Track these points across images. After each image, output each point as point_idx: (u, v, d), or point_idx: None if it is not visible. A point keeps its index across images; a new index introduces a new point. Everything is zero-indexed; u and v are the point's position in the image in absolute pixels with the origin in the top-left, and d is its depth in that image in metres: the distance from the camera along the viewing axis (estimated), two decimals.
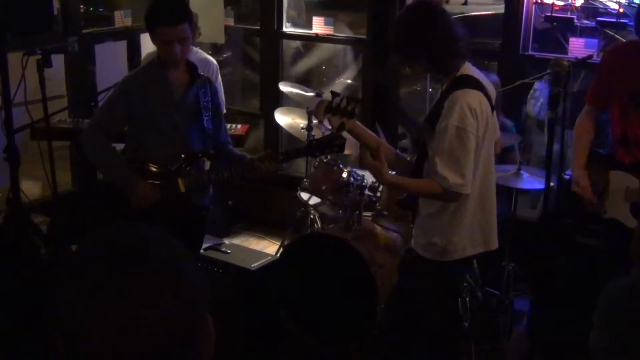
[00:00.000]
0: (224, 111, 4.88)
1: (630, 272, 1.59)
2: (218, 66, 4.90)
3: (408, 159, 3.32)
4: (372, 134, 3.14)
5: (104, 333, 0.96)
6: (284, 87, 4.93)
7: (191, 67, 3.55)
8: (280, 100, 5.86)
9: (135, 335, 0.97)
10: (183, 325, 1.00)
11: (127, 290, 0.98)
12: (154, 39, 3.40)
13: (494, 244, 3.20)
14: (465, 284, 3.41)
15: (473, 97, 2.92)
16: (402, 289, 3.44)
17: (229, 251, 4.13)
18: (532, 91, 5.49)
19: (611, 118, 3.62)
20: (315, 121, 4.55)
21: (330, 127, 3.19)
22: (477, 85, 2.99)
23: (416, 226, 3.25)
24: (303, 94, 4.76)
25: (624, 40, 3.68)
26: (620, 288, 1.51)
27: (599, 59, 4.64)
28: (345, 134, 3.17)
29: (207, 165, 3.93)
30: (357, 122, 3.10)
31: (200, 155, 3.58)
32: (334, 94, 3.07)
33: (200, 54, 4.85)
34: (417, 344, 3.39)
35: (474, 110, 2.89)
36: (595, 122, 3.70)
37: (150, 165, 3.49)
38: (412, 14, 3.06)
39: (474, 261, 3.31)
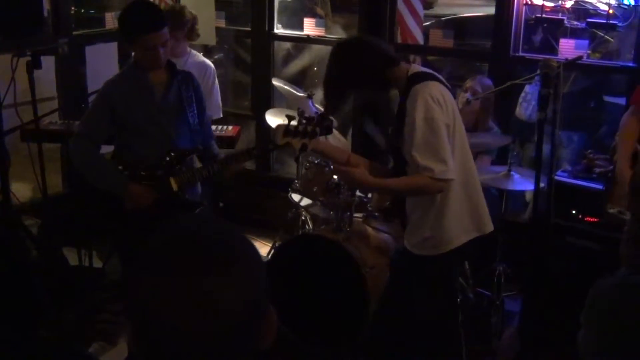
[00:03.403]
0: (221, 115, 4.88)
1: (616, 272, 1.60)
2: (215, 70, 4.88)
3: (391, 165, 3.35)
4: (339, 147, 3.17)
5: (180, 317, 1.02)
6: (277, 82, 4.92)
7: (170, 65, 3.54)
8: (271, 101, 5.86)
9: (208, 320, 1.03)
10: (251, 313, 1.07)
11: (205, 276, 1.04)
12: (135, 48, 3.38)
13: (488, 227, 3.22)
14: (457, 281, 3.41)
15: (432, 87, 2.96)
16: (396, 288, 3.44)
17: None
18: (523, 94, 5.50)
19: None
20: None
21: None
22: (432, 77, 3.05)
23: (407, 230, 3.27)
24: (294, 93, 4.76)
25: None
26: (606, 288, 1.52)
27: (589, 60, 4.69)
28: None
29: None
30: (320, 139, 3.16)
31: (189, 152, 3.57)
32: (289, 117, 3.14)
33: (198, 57, 4.83)
34: (414, 342, 3.39)
35: (437, 99, 2.93)
36: None
37: (141, 167, 3.48)
38: (332, 59, 3.16)
39: (466, 260, 3.32)
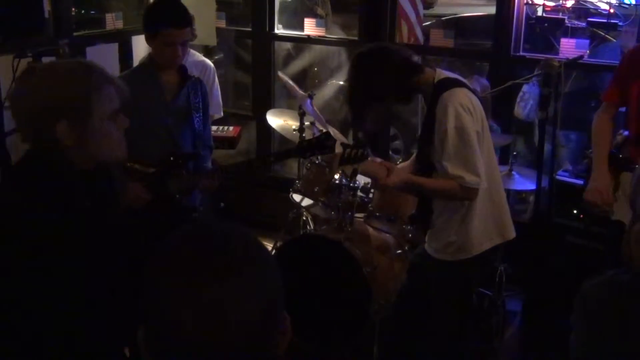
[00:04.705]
0: (222, 114, 4.88)
1: (605, 272, 1.60)
2: (215, 69, 4.89)
3: (399, 161, 3.33)
4: (381, 165, 3.13)
5: (195, 321, 1.02)
6: (283, 76, 4.89)
7: (181, 69, 3.55)
8: (272, 102, 5.87)
9: (223, 324, 1.03)
10: (267, 318, 1.08)
11: (222, 281, 1.05)
12: (154, 42, 3.38)
13: (511, 234, 3.23)
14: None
15: (461, 95, 2.93)
16: (413, 292, 3.43)
17: None
18: (520, 94, 5.51)
19: (627, 117, 3.63)
20: (307, 122, 4.56)
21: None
22: (459, 83, 3.02)
23: (430, 234, 3.26)
24: (297, 90, 4.73)
25: None
26: (594, 288, 1.52)
27: (589, 59, 4.68)
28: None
29: None
30: (367, 161, 3.14)
31: (190, 156, 3.57)
32: (344, 145, 3.14)
33: (197, 57, 4.84)
34: (427, 346, 3.39)
35: (467, 107, 2.91)
36: (613, 120, 3.70)
37: (140, 166, 3.47)
38: (353, 70, 3.07)
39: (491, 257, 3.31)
